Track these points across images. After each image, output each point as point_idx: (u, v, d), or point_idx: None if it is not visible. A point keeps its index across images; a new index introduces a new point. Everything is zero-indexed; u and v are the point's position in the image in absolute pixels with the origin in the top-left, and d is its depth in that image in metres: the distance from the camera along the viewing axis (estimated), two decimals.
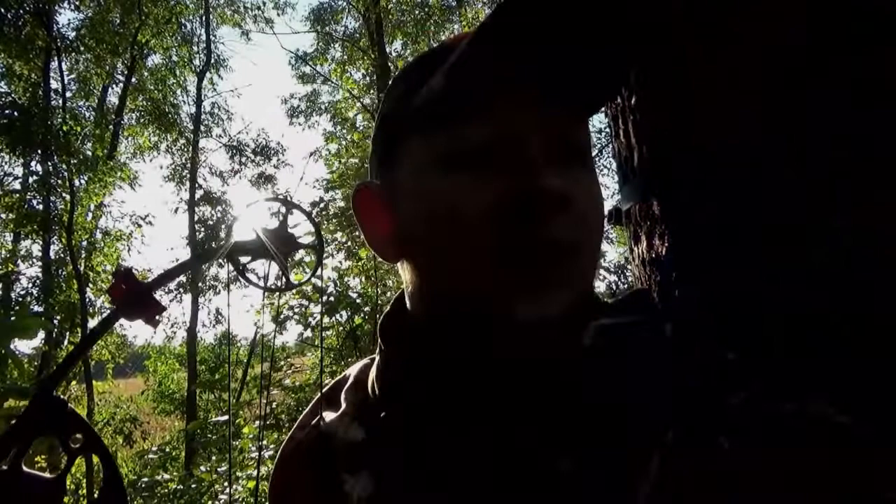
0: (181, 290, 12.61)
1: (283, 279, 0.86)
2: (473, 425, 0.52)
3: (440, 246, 0.52)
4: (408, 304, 0.60)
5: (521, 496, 0.48)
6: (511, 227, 0.49)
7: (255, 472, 4.14)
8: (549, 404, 0.51)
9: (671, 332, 0.55)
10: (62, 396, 0.69)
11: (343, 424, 0.61)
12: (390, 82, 0.62)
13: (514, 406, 0.52)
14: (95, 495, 0.67)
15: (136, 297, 0.71)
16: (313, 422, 0.66)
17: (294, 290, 4.87)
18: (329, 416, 0.65)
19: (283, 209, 0.83)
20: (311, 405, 0.70)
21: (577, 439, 0.49)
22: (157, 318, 0.73)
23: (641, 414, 0.48)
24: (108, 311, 0.74)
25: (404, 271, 0.60)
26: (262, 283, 0.86)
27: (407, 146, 0.56)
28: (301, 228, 0.87)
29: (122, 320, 0.73)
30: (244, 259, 0.82)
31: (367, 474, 0.55)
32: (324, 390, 0.71)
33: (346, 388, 0.66)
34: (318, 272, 0.89)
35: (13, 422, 0.65)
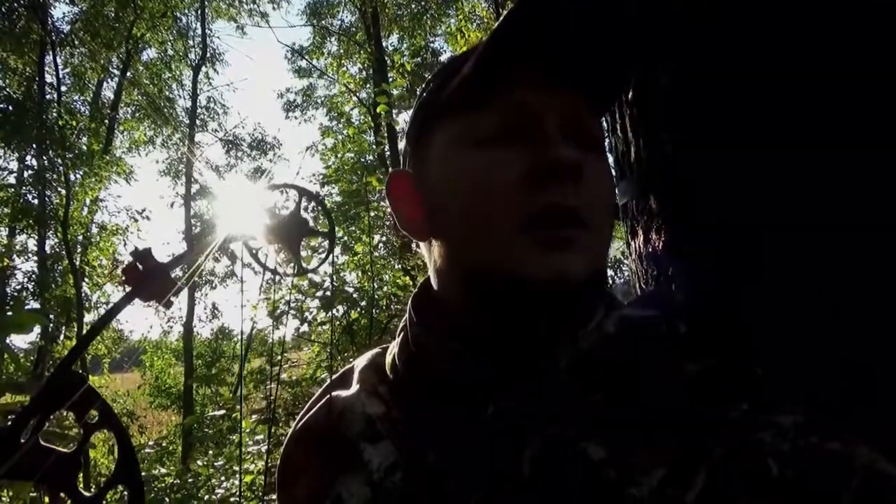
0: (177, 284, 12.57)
1: (296, 266, 0.87)
2: (498, 397, 0.54)
3: (471, 214, 0.57)
4: (434, 283, 0.64)
5: (545, 474, 0.49)
6: (534, 193, 0.54)
7: (253, 466, 4.14)
8: (575, 383, 0.53)
9: (685, 331, 0.57)
10: (82, 373, 0.70)
11: (361, 399, 0.63)
12: (429, 77, 0.68)
13: (540, 379, 0.54)
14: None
15: (153, 276, 0.71)
16: (325, 399, 0.67)
17: (291, 285, 4.87)
18: (342, 392, 0.66)
19: (296, 196, 0.83)
20: (322, 388, 0.71)
21: (606, 425, 0.50)
22: (171, 298, 0.73)
23: (678, 417, 0.49)
24: (125, 293, 0.74)
25: (433, 248, 0.64)
26: (273, 270, 0.86)
27: (439, 129, 0.61)
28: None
29: (137, 301, 0.73)
30: (255, 244, 0.83)
31: (389, 443, 0.57)
32: (334, 377, 0.72)
33: (360, 369, 0.69)
34: (330, 259, 0.90)
35: (33, 395, 0.66)
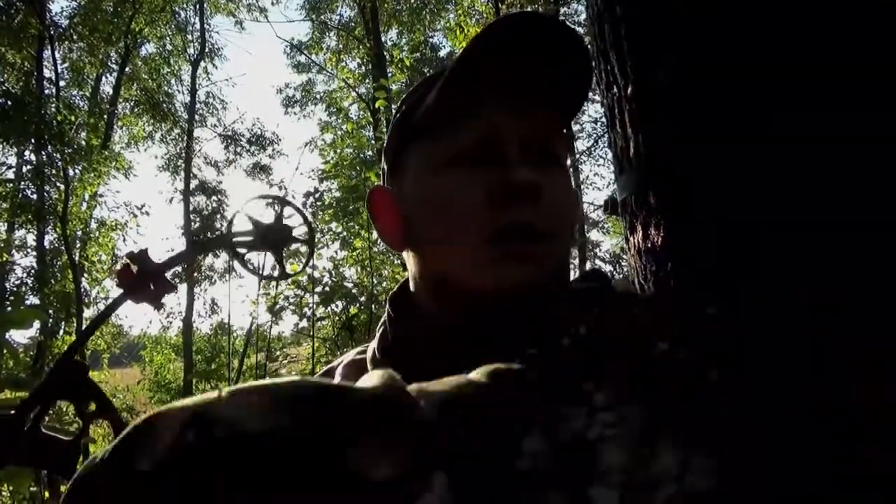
0: (176, 280, 12.60)
1: (279, 270, 0.89)
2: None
3: (438, 232, 0.62)
4: (411, 285, 0.70)
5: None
6: (495, 213, 0.59)
7: None
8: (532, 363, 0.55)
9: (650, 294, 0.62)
10: (82, 362, 0.71)
11: None
12: (402, 98, 0.73)
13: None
14: None
15: (147, 278, 0.72)
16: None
17: (290, 281, 4.87)
18: None
19: (278, 205, 0.85)
20: None
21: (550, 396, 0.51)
22: (162, 300, 0.74)
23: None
24: (120, 293, 0.76)
25: (409, 259, 0.69)
26: (258, 273, 0.88)
27: (413, 150, 0.66)
28: (295, 219, 0.89)
29: (131, 303, 0.74)
30: (242, 249, 0.85)
31: None
32: (318, 373, 0.76)
33: (342, 366, 0.73)
34: (310, 263, 0.93)
35: (36, 385, 0.67)
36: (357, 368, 0.71)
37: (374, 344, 0.70)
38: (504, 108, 0.61)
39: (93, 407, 0.70)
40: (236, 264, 0.88)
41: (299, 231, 0.88)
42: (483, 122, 0.61)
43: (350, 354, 0.76)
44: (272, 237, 0.85)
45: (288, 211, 0.92)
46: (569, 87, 0.64)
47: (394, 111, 0.74)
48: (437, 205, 0.62)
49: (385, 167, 0.73)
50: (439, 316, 0.64)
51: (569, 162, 0.70)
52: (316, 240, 5.44)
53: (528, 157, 0.61)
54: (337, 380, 0.69)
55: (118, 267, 0.75)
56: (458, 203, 0.60)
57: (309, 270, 5.02)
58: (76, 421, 0.71)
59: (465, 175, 0.61)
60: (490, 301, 0.59)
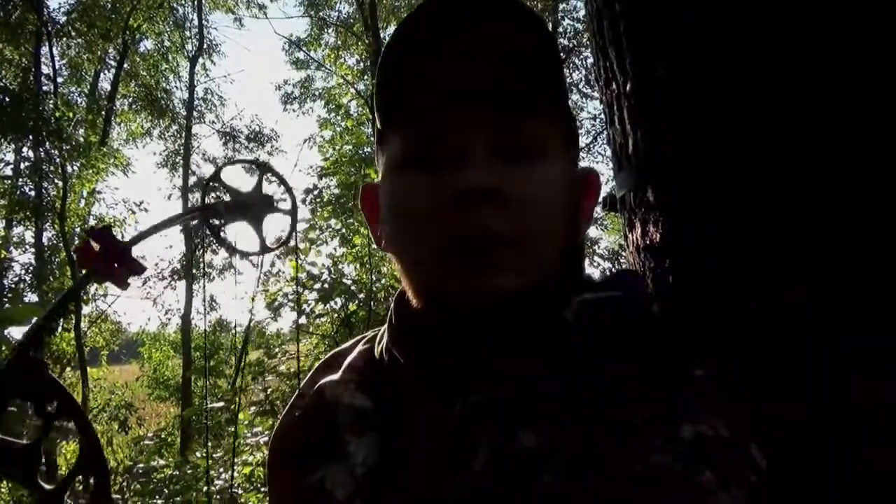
0: (175, 276, 12.58)
1: (260, 244, 0.86)
2: (465, 395, 0.55)
3: (400, 237, 0.60)
4: None
5: (493, 474, 0.51)
6: (452, 219, 0.53)
7: (251, 458, 4.15)
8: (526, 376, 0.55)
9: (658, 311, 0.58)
10: (41, 358, 0.68)
11: (349, 391, 0.65)
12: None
13: (490, 380, 0.55)
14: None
15: (111, 257, 0.69)
16: (312, 390, 0.69)
17: (289, 278, 4.86)
18: (330, 380, 0.68)
19: (258, 172, 0.82)
20: (310, 374, 0.73)
21: (546, 414, 0.52)
22: (128, 280, 0.71)
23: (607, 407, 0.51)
24: (82, 274, 0.72)
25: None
26: (233, 247, 0.86)
27: (382, 150, 0.62)
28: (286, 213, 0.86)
29: (110, 285, 0.71)
30: (217, 221, 0.81)
31: (374, 436, 0.59)
32: (324, 358, 0.74)
33: (350, 357, 0.70)
34: (294, 235, 0.90)
35: None
36: (365, 361, 0.68)
37: (382, 339, 0.68)
38: (468, 97, 0.54)
39: (54, 407, 0.66)
40: (227, 242, 0.84)
41: (283, 205, 0.84)
42: (442, 116, 0.55)
43: (357, 342, 0.73)
44: (253, 207, 0.80)
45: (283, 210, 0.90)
46: (535, 66, 0.55)
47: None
48: (395, 210, 0.59)
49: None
50: (426, 318, 0.61)
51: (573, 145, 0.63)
52: (315, 236, 5.44)
53: (490, 155, 0.54)
54: (344, 376, 0.67)
55: (78, 245, 0.71)
56: (411, 210, 0.56)
57: (308, 267, 5.01)
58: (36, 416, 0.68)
59: (422, 177, 0.56)
60: (468, 310, 0.55)
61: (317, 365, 0.74)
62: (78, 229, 11.13)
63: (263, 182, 0.84)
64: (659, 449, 0.47)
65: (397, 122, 0.59)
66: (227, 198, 0.83)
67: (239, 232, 0.87)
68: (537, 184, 0.56)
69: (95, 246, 0.70)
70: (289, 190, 0.86)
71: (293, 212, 0.87)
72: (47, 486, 0.66)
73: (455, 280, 0.54)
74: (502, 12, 0.55)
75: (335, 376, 0.68)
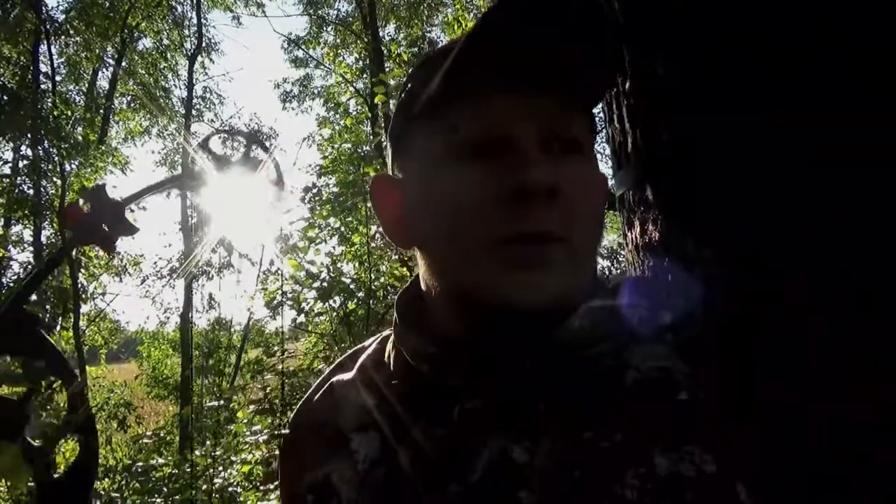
0: (173, 275, 12.57)
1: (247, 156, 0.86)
2: (464, 400, 0.55)
3: (446, 234, 0.56)
4: (422, 285, 0.63)
5: (489, 482, 0.51)
6: (505, 215, 0.52)
7: (249, 456, 4.15)
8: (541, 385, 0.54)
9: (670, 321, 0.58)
10: (37, 314, 0.67)
11: (355, 389, 0.66)
12: (405, 79, 0.65)
13: (509, 387, 0.55)
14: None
15: (100, 218, 0.68)
16: (325, 387, 0.70)
17: (288, 276, 4.86)
18: (340, 378, 0.69)
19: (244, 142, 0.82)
20: (327, 371, 0.74)
21: (542, 429, 0.52)
22: (116, 242, 0.70)
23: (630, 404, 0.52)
24: (70, 235, 0.71)
25: (419, 257, 0.63)
26: (221, 164, 0.86)
27: (419, 133, 0.59)
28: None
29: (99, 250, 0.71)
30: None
31: (374, 434, 0.59)
32: (341, 358, 0.75)
33: (362, 358, 0.70)
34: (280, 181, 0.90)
35: None
36: (375, 361, 0.67)
37: (389, 345, 0.67)
38: (518, 90, 0.53)
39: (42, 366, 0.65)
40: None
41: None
42: (493, 109, 0.54)
43: (371, 342, 0.72)
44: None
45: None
46: (591, 64, 0.55)
47: (400, 91, 0.66)
48: (439, 204, 0.55)
49: (389, 150, 0.66)
50: (452, 327, 0.59)
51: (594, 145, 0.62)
52: (315, 234, 5.43)
53: (543, 149, 0.53)
54: (353, 375, 0.68)
55: (66, 205, 0.70)
56: (461, 204, 0.53)
57: (307, 266, 5.01)
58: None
59: (470, 171, 0.54)
60: (525, 308, 0.52)
61: (337, 360, 0.75)
62: None
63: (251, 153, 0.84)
64: (627, 483, 0.46)
65: (452, 108, 0.55)
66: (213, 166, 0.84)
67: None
68: (583, 179, 0.56)
69: (84, 207, 0.69)
70: (275, 164, 0.88)
71: (279, 181, 0.88)
72: (35, 443, 0.65)
73: (507, 277, 0.52)
74: (584, 13, 0.52)
75: (347, 374, 0.69)
